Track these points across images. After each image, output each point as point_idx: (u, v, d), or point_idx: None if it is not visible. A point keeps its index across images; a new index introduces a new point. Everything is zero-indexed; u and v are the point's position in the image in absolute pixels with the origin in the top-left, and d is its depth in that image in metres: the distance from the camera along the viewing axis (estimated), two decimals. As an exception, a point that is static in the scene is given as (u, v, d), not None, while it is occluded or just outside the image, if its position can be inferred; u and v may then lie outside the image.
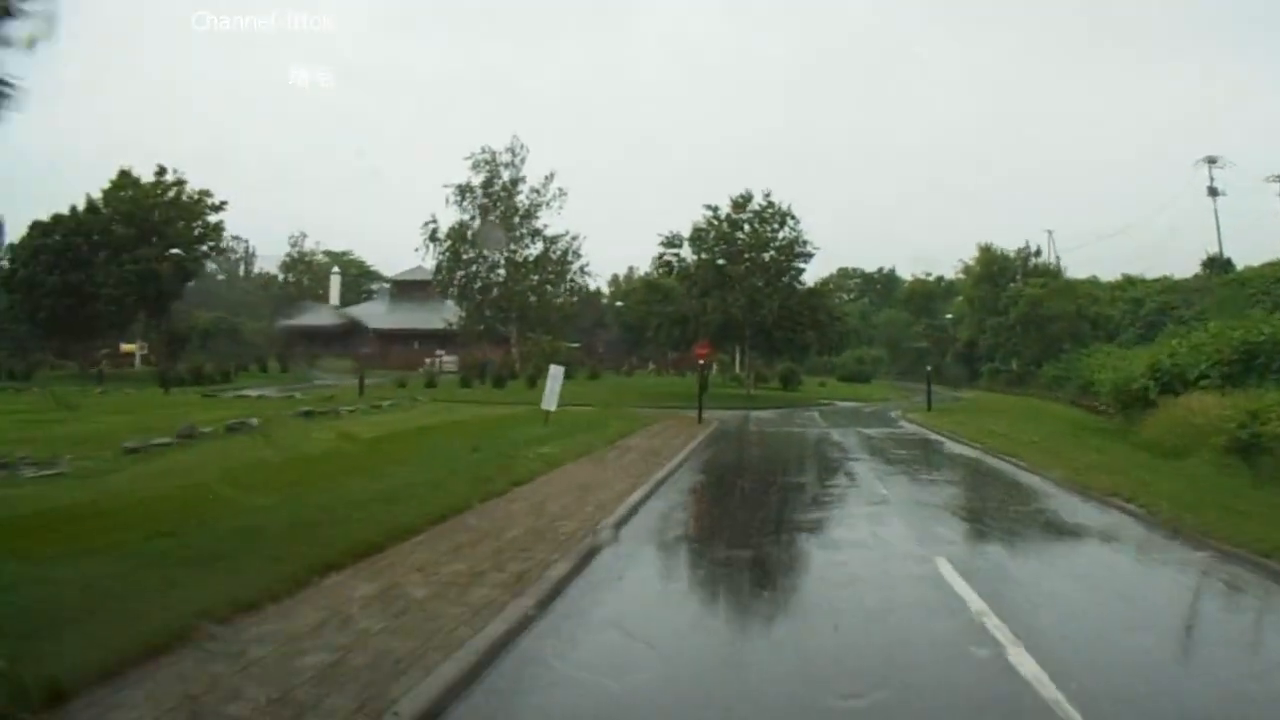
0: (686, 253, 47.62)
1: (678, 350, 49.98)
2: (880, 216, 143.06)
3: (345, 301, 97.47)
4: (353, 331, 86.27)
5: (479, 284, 72.31)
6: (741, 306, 44.94)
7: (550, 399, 25.46)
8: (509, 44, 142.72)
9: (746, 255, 46.63)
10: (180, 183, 65.02)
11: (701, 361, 31.95)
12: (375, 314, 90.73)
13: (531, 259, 72.96)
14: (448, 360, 75.92)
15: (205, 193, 66.15)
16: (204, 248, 68.18)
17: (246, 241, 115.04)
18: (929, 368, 45.02)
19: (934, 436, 29.70)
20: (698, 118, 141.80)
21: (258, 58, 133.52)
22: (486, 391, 47.55)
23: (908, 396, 63.93)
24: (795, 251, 47.04)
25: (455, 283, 73.39)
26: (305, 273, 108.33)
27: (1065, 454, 21.62)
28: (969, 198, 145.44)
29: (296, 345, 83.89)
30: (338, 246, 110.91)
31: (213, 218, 66.65)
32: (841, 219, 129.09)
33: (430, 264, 73.93)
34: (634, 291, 48.93)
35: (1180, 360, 28.27)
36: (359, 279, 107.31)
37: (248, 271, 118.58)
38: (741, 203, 47.42)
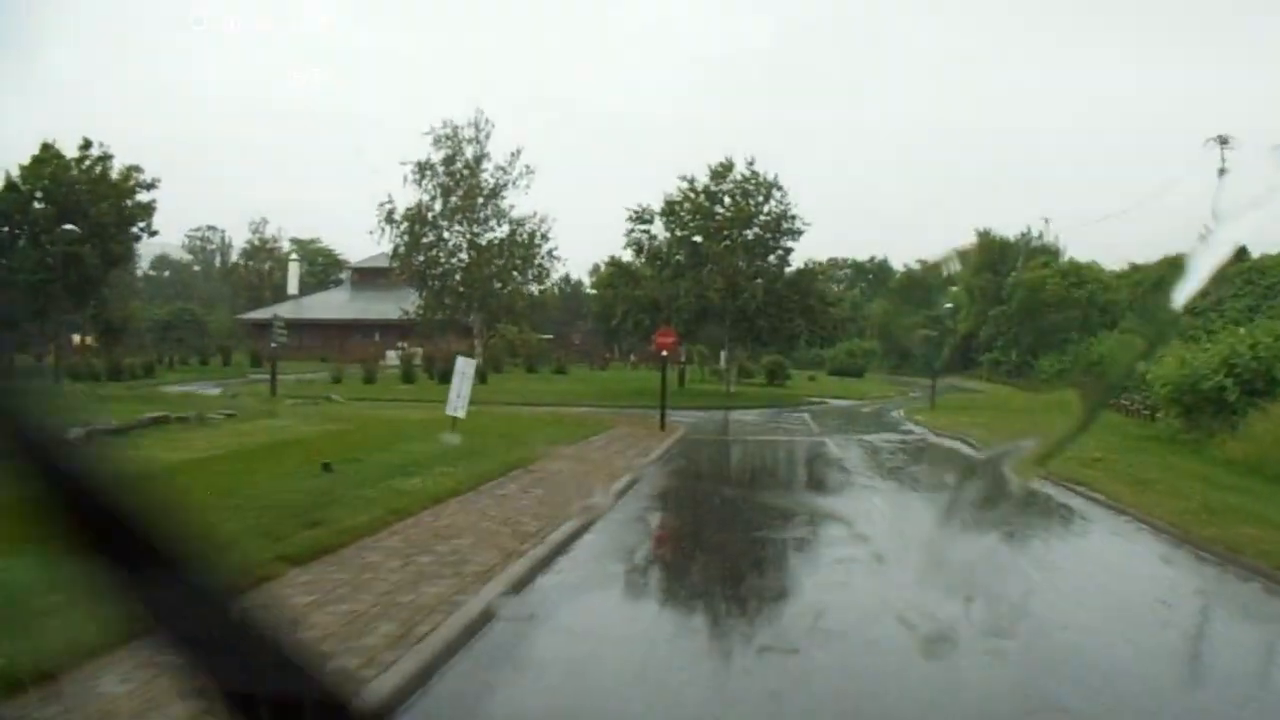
0: (659, 229, 41.35)
1: (648, 340, 43.63)
2: (871, 203, 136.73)
3: (307, 290, 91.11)
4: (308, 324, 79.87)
5: (438, 269, 65.91)
6: (720, 290, 38.60)
7: (457, 402, 19.15)
8: (492, 32, 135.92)
9: (726, 232, 40.30)
10: (106, 157, 58.32)
11: (665, 353, 25.45)
12: (335, 304, 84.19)
13: (497, 242, 66.70)
14: (412, 353, 69.59)
15: (135, 168, 59.42)
16: (134, 229, 61.41)
17: (222, 231, 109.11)
18: (936, 365, 38.83)
19: (951, 444, 23.44)
20: (680, 103, 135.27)
21: (249, 58, 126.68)
22: (425, 388, 41.12)
23: (905, 393, 57.73)
24: (782, 227, 40.73)
25: (414, 268, 67.07)
26: (268, 260, 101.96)
27: (1154, 481, 15.42)
28: (961, 182, 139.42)
29: (257, 338, 78.09)
30: (306, 234, 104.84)
31: (143, 196, 59.96)
32: (830, 206, 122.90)
33: (387, 248, 67.62)
34: (602, 276, 42.33)
35: (1268, 353, 21.97)
36: (329, 268, 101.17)
37: (224, 262, 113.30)
38: (721, 171, 41.07)
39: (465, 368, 19.75)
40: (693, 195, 41.12)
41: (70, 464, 1.18)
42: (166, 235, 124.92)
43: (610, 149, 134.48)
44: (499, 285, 66.25)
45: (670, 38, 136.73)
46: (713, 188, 41.40)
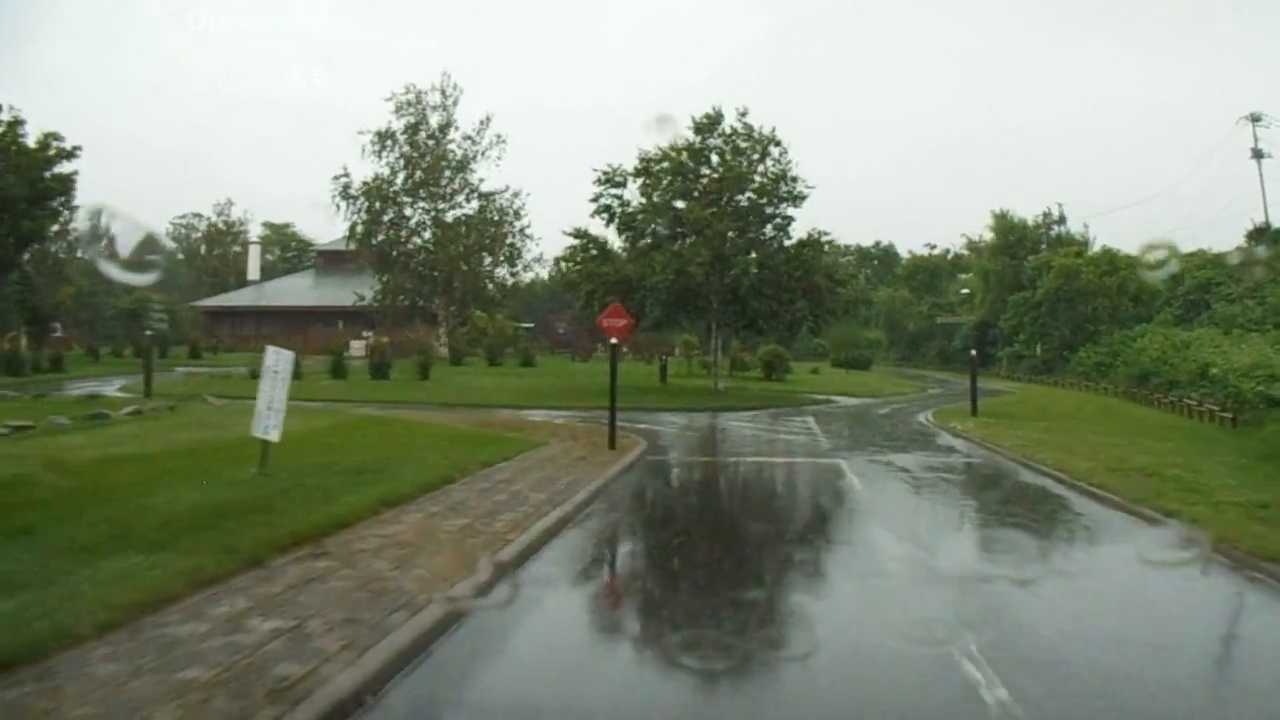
0: (634, 194, 33.82)
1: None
2: (876, 188, 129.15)
3: (276, 276, 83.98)
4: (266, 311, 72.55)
5: (396, 250, 58.52)
6: (705, 264, 31.08)
7: (267, 418, 11.81)
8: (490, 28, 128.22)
9: (713, 196, 32.81)
10: (17, 122, 50.75)
11: (615, 341, 17.74)
12: (296, 290, 76.67)
13: (464, 219, 59.37)
14: (379, 343, 62.18)
15: (53, 135, 51.81)
16: (54, 204, 53.86)
17: (208, 219, 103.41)
18: (973, 351, 30.94)
19: (1036, 481, 15.86)
20: (679, 95, 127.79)
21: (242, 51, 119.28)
22: (353, 386, 33.76)
23: (921, 388, 50.23)
24: (781, 191, 33.27)
25: (373, 249, 59.73)
26: (233, 244, 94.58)
27: None
28: (973, 167, 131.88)
29: (214, 326, 71.53)
30: (279, 218, 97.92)
31: (64, 168, 52.46)
32: (833, 191, 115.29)
33: (343, 226, 60.36)
34: (569, 252, 34.80)
35: None
36: (303, 254, 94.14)
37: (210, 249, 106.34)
38: (707, 125, 33.56)
39: (278, 363, 12.31)
40: (673, 154, 33.62)
41: None
42: (150, 223, 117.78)
43: (599, 138, 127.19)
44: (465, 267, 59.03)
45: (669, 32, 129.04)
46: (697, 144, 33.90)
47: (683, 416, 27.12)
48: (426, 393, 31.48)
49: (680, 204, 32.67)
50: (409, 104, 58.74)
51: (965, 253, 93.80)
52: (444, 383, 35.12)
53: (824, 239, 32.96)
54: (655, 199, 32.82)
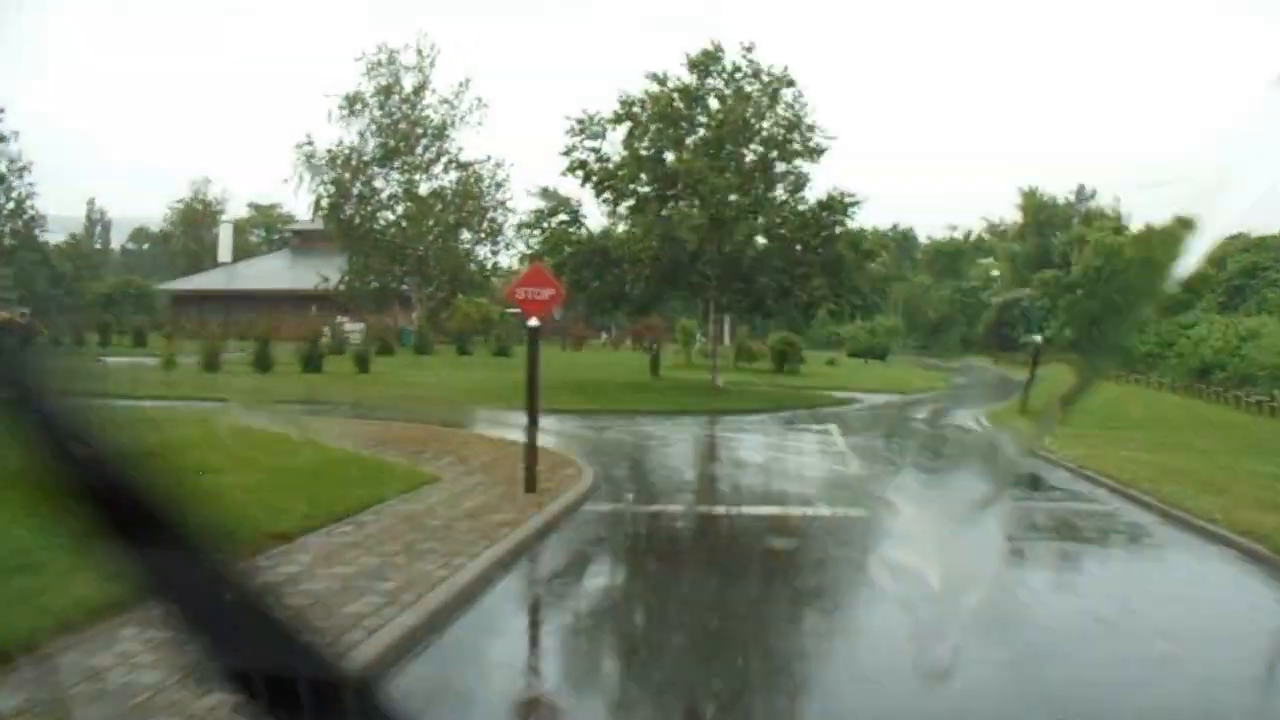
0: (613, 146, 27.25)
1: (598, 307, 29.43)
2: (894, 167, 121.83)
3: (245, 257, 77.85)
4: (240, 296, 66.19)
5: (363, 225, 52.06)
6: (700, 230, 24.43)
7: None
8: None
9: (711, 149, 26.27)
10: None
11: (534, 322, 10.91)
12: (270, 272, 70.23)
13: (445, 192, 52.89)
14: (351, 329, 55.81)
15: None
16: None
17: (205, 202, 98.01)
18: (1037, 338, 23.84)
19: (1250, 568, 9.11)
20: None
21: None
22: (276, 380, 27.47)
23: (950, 381, 43.62)
24: (794, 143, 26.72)
25: (341, 224, 53.35)
26: (213, 226, 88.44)
27: None
28: (994, 144, 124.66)
29: (179, 311, 65.44)
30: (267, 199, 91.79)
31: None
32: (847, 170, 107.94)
33: (307, 199, 53.96)
34: (533, 216, 28.12)
35: None
36: (288, 235, 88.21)
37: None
38: (704, 61, 26.97)
39: None
40: (660, 97, 27.01)
41: (79, 437, 1.17)
42: (147, 208, 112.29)
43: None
44: (442, 244, 52.59)
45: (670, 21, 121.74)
46: (692, 87, 27.29)
47: (667, 424, 20.60)
48: (356, 390, 25.13)
49: (669, 155, 26.01)
50: (380, 64, 52.30)
51: (987, 237, 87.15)
52: (385, 377, 28.75)
53: (849, 201, 26.16)
54: (640, 151, 26.18)
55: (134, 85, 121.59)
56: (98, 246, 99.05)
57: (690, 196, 25.44)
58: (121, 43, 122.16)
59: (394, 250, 51.48)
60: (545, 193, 27.27)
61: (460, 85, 52.76)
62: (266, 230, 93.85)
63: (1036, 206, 72.53)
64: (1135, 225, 63.15)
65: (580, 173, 27.14)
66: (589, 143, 27.37)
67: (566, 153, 27.31)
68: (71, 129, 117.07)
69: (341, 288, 52.44)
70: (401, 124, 52.11)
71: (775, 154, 26.90)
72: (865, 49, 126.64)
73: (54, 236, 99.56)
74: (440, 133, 52.81)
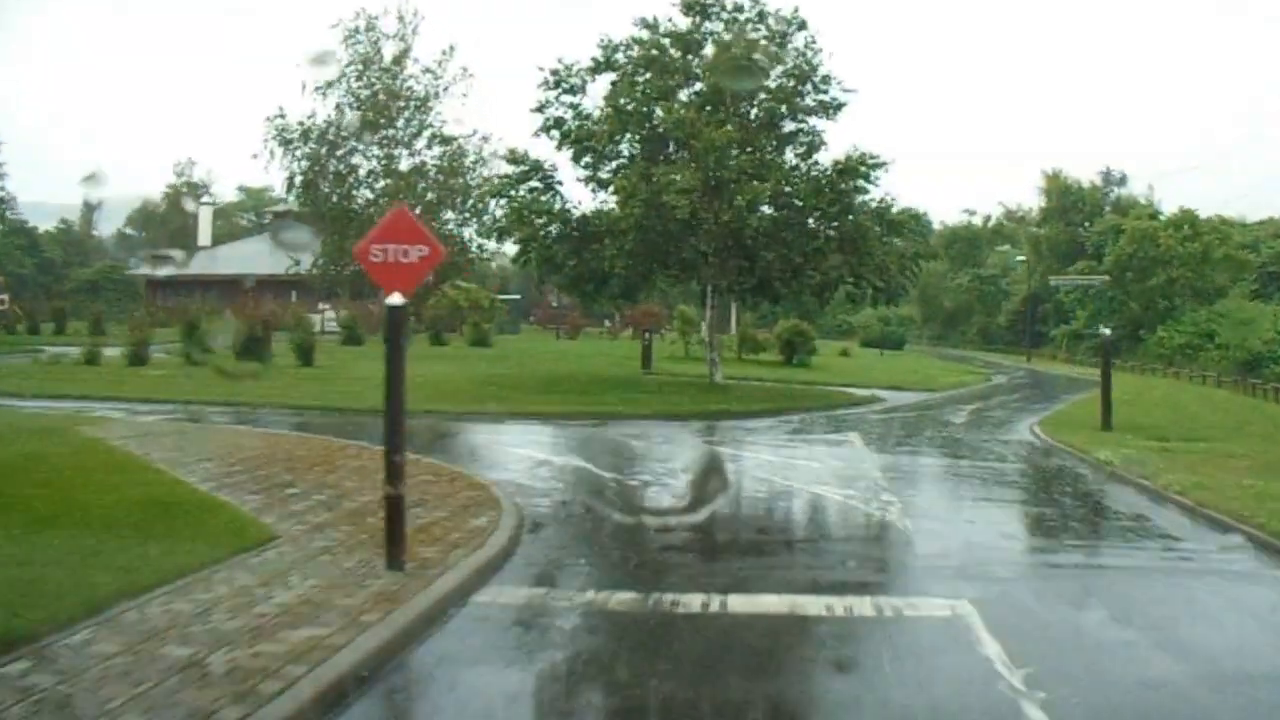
0: (595, 101, 22.91)
1: (574, 288, 24.90)
2: (906, 149, 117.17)
3: (234, 241, 73.96)
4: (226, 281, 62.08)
5: (344, 203, 47.78)
6: (694, 196, 20.00)
7: None
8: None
9: (708, 103, 21.97)
10: None
11: (395, 298, 6.58)
12: (250, 256, 66.07)
13: (427, 168, 48.48)
14: (334, 317, 51.82)
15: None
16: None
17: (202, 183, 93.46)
18: (1107, 331, 19.22)
19: None
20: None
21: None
22: (200, 377, 23.34)
23: (982, 375, 39.19)
24: (806, 97, 22.41)
25: (314, 203, 49.07)
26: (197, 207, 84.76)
27: None
28: (1016, 125, 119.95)
29: (153, 297, 61.58)
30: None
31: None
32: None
33: (279, 176, 49.63)
34: (500, 184, 23.69)
35: None
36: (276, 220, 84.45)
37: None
38: (698, 2, 22.62)
39: None
40: (647, 44, 22.69)
41: None
42: (148, 190, 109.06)
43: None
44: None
45: None
46: (684, 32, 22.93)
47: (649, 434, 16.36)
48: (284, 389, 21.01)
49: (659, 110, 21.59)
50: (358, 31, 47.86)
51: (1006, 222, 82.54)
52: (327, 373, 24.63)
53: (872, 162, 21.71)
54: (625, 106, 21.79)
55: (136, 71, 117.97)
56: (94, 233, 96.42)
57: (683, 156, 21.10)
58: (121, 33, 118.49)
59: (365, 229, 47.32)
60: (514, 156, 22.87)
61: (444, 53, 48.36)
62: (256, 214, 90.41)
63: (1061, 190, 67.89)
64: (1170, 210, 58.61)
65: (556, 133, 22.81)
66: (566, 98, 23.06)
67: (539, 109, 23.01)
68: (72, 115, 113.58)
69: (315, 272, 48.28)
70: (381, 95, 47.81)
71: (784, 109, 22.54)
72: (865, 49, 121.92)
73: (45, 222, 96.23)
74: (422, 104, 48.53)
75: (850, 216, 21.60)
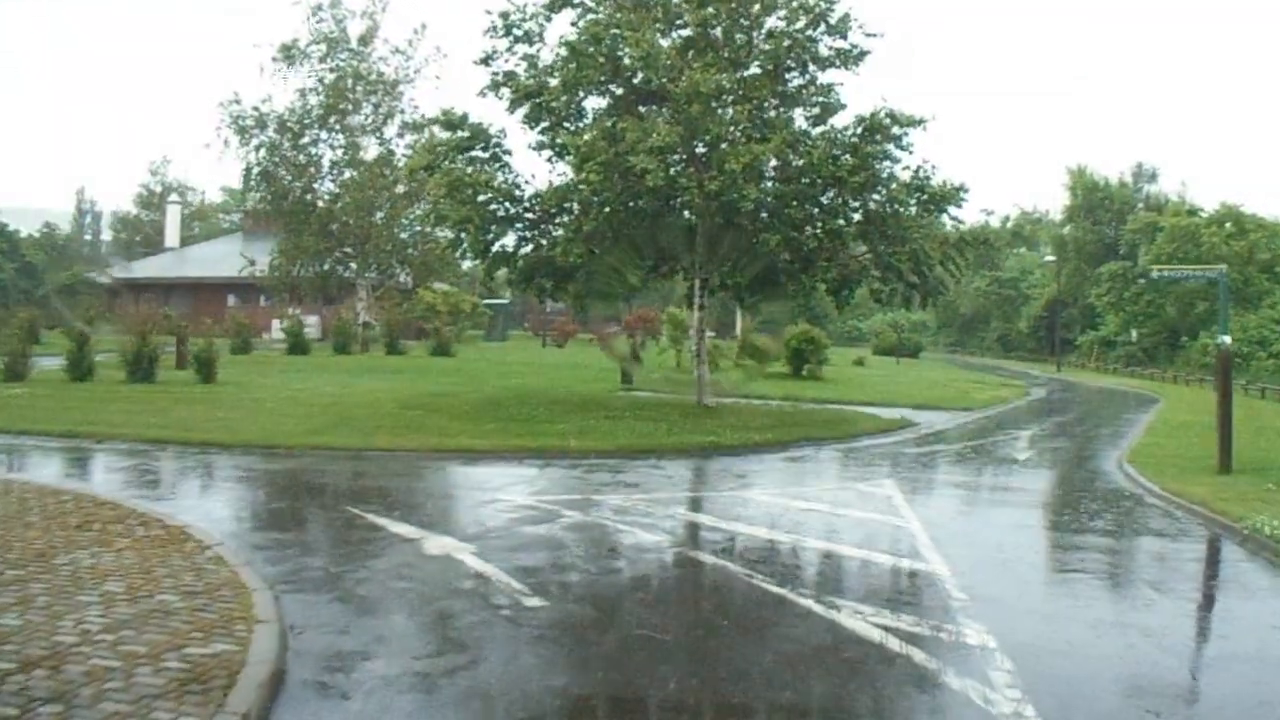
0: (552, 50, 17.92)
1: (524, 283, 19.47)
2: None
3: (194, 241, 69.52)
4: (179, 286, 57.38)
5: (305, 196, 43.03)
6: (677, 166, 14.90)
7: None
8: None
9: (692, 48, 17.03)
10: None
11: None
12: (218, 257, 61.30)
13: (395, 157, 43.67)
14: (307, 321, 46.72)
15: None
16: None
17: (192, 188, 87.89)
18: (1226, 339, 14.53)
19: None
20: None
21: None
22: (81, 393, 18.47)
23: (1019, 388, 34.09)
24: (821, 44, 17.45)
25: (272, 197, 44.35)
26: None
27: None
28: (1037, 122, 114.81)
29: (114, 301, 56.89)
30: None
31: None
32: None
33: (233, 165, 45.18)
34: (419, 151, 18.60)
35: None
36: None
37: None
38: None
39: None
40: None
41: None
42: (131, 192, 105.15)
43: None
44: (390, 221, 43.50)
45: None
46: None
47: (594, 486, 11.36)
48: (150, 414, 16.02)
49: (627, 56, 16.52)
50: (320, 8, 43.11)
51: (1024, 224, 77.48)
52: (221, 393, 19.65)
53: (904, 120, 16.57)
54: (584, 43, 16.76)
55: (114, 68, 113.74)
56: (88, 237, 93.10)
57: (661, 113, 16.09)
58: (98, 29, 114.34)
59: (331, 227, 42.41)
60: (450, 119, 17.81)
61: (415, 32, 43.81)
62: (240, 215, 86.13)
63: (1087, 187, 62.77)
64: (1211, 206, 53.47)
65: (506, 91, 17.77)
66: (520, 47, 18.06)
67: (485, 60, 18.00)
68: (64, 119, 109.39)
69: (276, 274, 43.53)
70: (346, 78, 43.14)
71: (790, 61, 17.49)
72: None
73: (28, 227, 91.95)
74: (391, 89, 43.84)
75: (879, 190, 16.50)
